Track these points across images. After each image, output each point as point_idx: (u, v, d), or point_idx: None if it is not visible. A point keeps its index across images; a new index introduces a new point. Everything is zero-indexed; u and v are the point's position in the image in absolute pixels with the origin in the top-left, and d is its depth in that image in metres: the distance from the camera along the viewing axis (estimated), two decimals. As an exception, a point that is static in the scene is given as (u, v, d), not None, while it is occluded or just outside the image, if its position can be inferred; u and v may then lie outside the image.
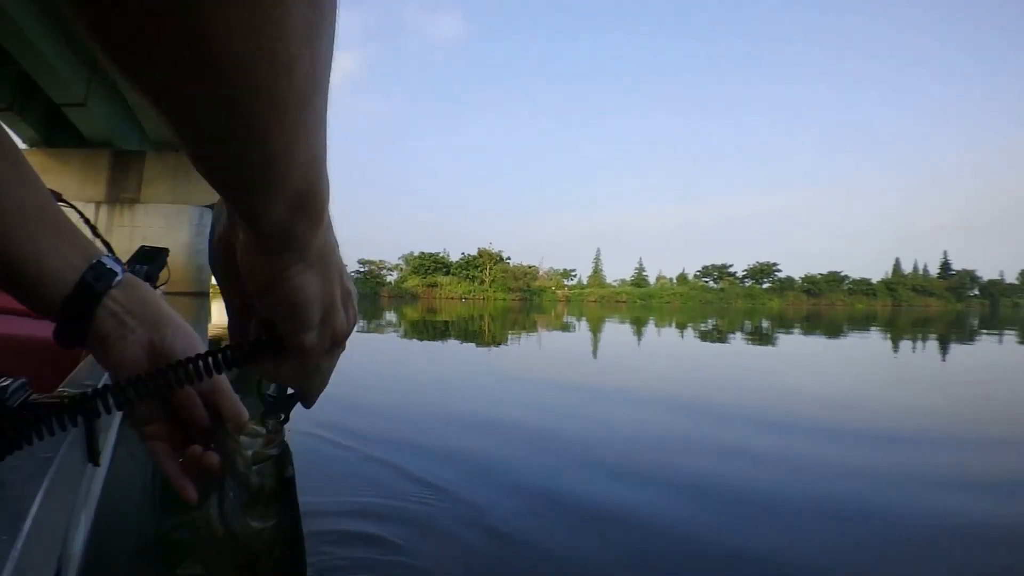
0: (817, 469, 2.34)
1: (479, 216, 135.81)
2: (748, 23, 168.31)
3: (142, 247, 1.65)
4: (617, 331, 12.09)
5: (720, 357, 7.20)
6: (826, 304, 64.13)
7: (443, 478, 2.01)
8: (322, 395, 0.41)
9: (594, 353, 7.54)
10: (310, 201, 0.29)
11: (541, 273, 69.74)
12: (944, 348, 8.86)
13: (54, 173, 23.77)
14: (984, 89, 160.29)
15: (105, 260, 0.40)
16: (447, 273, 66.72)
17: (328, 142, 0.28)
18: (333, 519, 1.62)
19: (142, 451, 0.43)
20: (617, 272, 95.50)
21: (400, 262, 69.18)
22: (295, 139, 0.25)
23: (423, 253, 68.77)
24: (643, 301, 59.87)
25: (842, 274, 72.35)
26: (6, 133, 0.39)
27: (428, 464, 2.16)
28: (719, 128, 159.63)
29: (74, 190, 23.64)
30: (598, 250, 78.30)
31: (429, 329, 11.07)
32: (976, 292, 75.61)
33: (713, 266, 73.41)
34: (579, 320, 16.60)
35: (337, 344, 0.37)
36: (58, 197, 1.27)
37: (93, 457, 0.60)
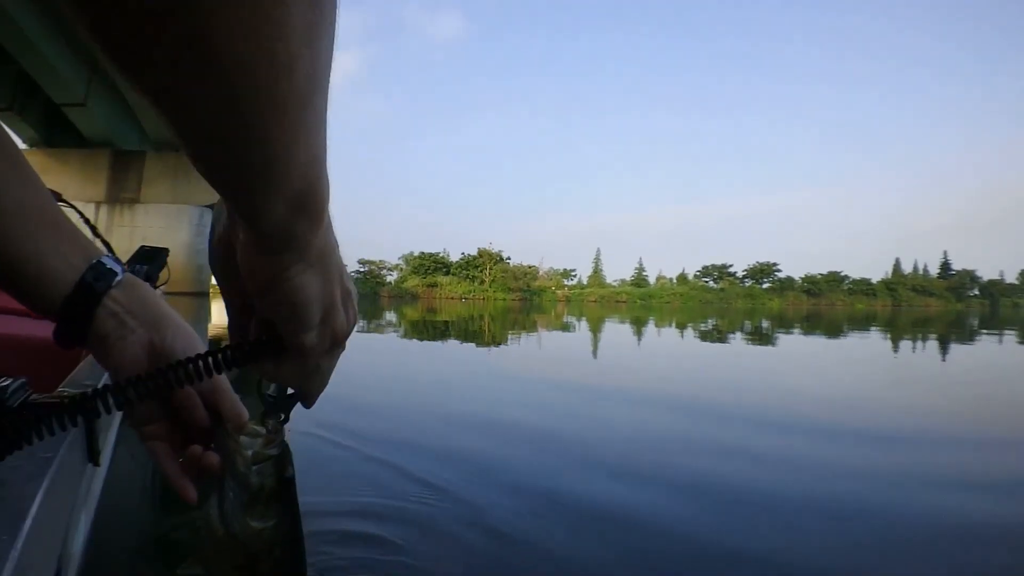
0: (817, 469, 2.34)
1: (479, 216, 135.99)
2: (748, 23, 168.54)
3: (142, 247, 1.65)
4: (617, 331, 12.09)
5: (720, 357, 7.20)
6: (826, 304, 64.13)
7: (443, 478, 2.01)
8: (322, 395, 0.41)
9: (594, 353, 7.54)
10: (310, 201, 0.29)
11: (541, 273, 69.75)
12: (944, 348, 8.86)
13: (54, 173, 23.77)
14: (984, 89, 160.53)
15: (105, 260, 0.40)
16: (447, 273, 66.73)
17: (328, 142, 0.28)
18: (333, 519, 1.62)
19: (142, 451, 0.43)
20: (617, 272, 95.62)
21: (400, 262, 69.24)
22: (295, 139, 0.25)
23: (423, 253, 68.80)
24: (643, 301, 59.87)
25: (842, 274, 72.40)
26: (6, 133, 0.39)
27: (428, 464, 2.16)
28: (719, 128, 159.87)
29: (74, 190, 23.64)
30: (598, 250, 78.45)
31: (429, 329, 11.07)
32: (976, 292, 75.62)
33: (713, 266, 73.43)
34: (579, 320, 16.60)
35: (337, 344, 0.37)
36: (58, 197, 1.27)
37: (93, 457, 0.60)
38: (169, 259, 1.74)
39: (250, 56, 0.20)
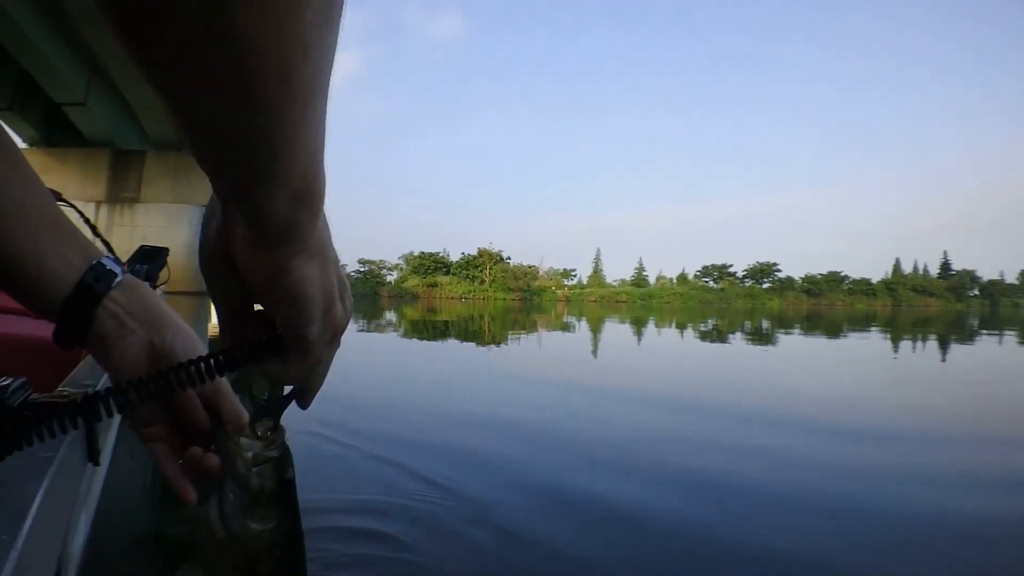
0: (817, 468, 2.34)
1: (479, 216, 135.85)
2: (748, 23, 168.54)
3: (142, 246, 1.65)
4: (617, 331, 12.10)
5: (720, 357, 7.20)
6: (826, 304, 64.16)
7: (444, 476, 2.01)
8: (323, 395, 0.41)
9: (594, 353, 7.54)
10: (311, 193, 0.29)
11: (541, 273, 69.77)
12: (944, 348, 8.86)
13: (54, 172, 23.76)
14: (984, 89, 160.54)
15: (105, 261, 0.40)
16: (447, 273, 66.76)
17: (328, 142, 0.28)
18: (335, 516, 1.62)
19: (142, 451, 0.43)
20: (617, 272, 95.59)
21: (400, 262, 69.26)
22: (302, 130, 0.25)
23: (423, 253, 68.82)
24: (643, 301, 59.90)
25: (842, 274, 72.43)
26: (6, 133, 0.39)
27: (429, 463, 2.16)
28: (719, 128, 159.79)
29: (74, 189, 23.64)
30: (598, 250, 78.46)
31: (429, 329, 11.07)
32: (976, 292, 75.65)
33: (713, 266, 73.46)
34: (579, 320, 16.60)
35: (336, 336, 0.37)
36: (58, 197, 1.27)
37: (93, 457, 0.60)
38: (169, 259, 1.74)
39: (267, 43, 0.21)
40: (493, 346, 7.84)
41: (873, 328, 14.58)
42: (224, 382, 0.43)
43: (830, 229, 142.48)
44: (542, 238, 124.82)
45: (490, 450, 2.46)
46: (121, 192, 25.88)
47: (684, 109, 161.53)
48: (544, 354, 7.25)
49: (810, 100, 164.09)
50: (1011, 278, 77.73)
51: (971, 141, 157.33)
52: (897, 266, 78.95)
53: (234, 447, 0.37)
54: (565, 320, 16.42)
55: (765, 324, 15.81)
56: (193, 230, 25.54)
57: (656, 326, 14.15)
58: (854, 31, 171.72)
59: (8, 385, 0.41)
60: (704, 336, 10.80)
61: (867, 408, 3.80)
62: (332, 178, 0.30)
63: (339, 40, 0.24)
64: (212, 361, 0.35)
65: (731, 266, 73.01)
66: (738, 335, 10.99)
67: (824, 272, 72.06)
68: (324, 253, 0.33)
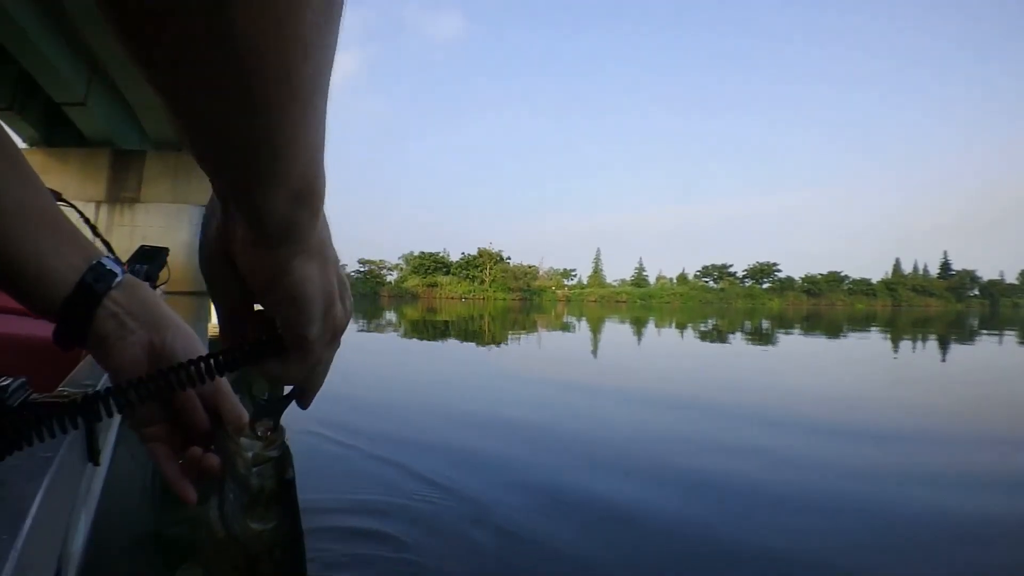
0: (817, 467, 2.34)
1: (479, 216, 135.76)
2: (748, 23, 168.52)
3: (142, 246, 1.65)
4: (617, 331, 12.10)
5: (720, 357, 7.20)
6: (826, 304, 64.16)
7: (445, 475, 2.01)
8: (324, 394, 0.41)
9: (594, 353, 7.55)
10: (311, 192, 0.29)
11: (541, 273, 69.79)
12: (944, 348, 8.86)
13: (54, 172, 23.77)
14: (984, 89, 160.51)
15: (105, 261, 0.40)
16: (447, 273, 66.77)
17: (328, 142, 0.28)
18: (335, 516, 1.62)
19: (142, 451, 0.43)
20: (617, 272, 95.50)
21: (400, 262, 69.26)
22: (303, 129, 0.25)
23: (423, 253, 68.82)
24: (643, 301, 59.91)
25: (842, 274, 72.44)
26: (6, 133, 0.39)
27: (428, 463, 2.16)
28: (719, 128, 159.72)
29: (74, 189, 23.64)
30: (598, 250, 78.43)
31: (429, 329, 11.07)
32: (976, 292, 75.65)
33: (713, 266, 73.46)
34: (579, 320, 16.61)
35: (337, 336, 0.37)
36: (58, 196, 1.27)
37: (93, 457, 0.60)
38: (169, 258, 1.74)
39: (268, 43, 0.21)
40: (493, 346, 7.84)
41: (873, 328, 14.58)
42: (224, 382, 0.43)
43: (830, 229, 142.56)
44: (542, 238, 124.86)
45: (490, 450, 2.46)
46: (121, 192, 25.88)
47: (684, 109, 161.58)
48: (544, 354, 7.25)
49: (810, 100, 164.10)
50: (1011, 278, 77.79)
51: (971, 141, 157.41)
52: (897, 266, 78.98)
53: (234, 447, 0.37)
54: (565, 320, 16.42)
55: (765, 324, 15.81)
56: (193, 230, 25.53)
57: (656, 326, 14.16)
58: (854, 31, 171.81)
59: (8, 385, 0.41)
60: (704, 336, 10.80)
61: (867, 408, 3.80)
62: (332, 178, 0.30)
63: (339, 40, 0.24)
64: (212, 361, 0.35)
65: (731, 266, 73.09)
66: (738, 335, 10.99)
67: (824, 272, 72.09)
68: (324, 253, 0.33)
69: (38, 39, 16.02)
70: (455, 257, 68.52)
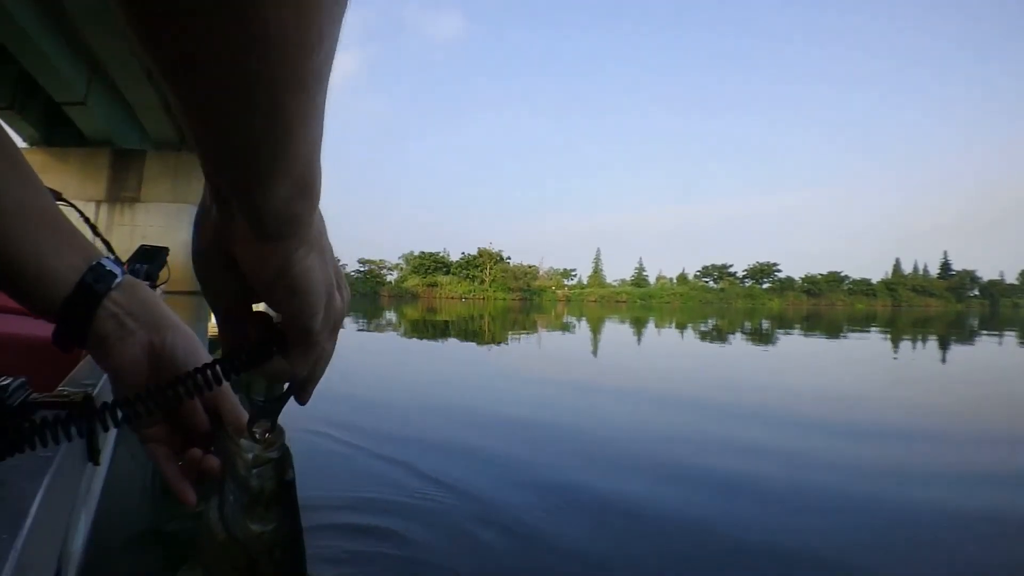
0: (818, 468, 2.33)
1: (479, 216, 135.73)
2: (748, 23, 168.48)
3: (142, 246, 1.65)
4: (617, 331, 12.10)
5: (720, 357, 7.20)
6: (826, 304, 64.16)
7: (444, 474, 2.01)
8: (324, 395, 0.41)
9: (595, 353, 7.55)
10: (309, 183, 0.29)
11: (541, 273, 69.77)
12: (944, 349, 8.86)
13: (54, 172, 23.77)
14: (984, 89, 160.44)
15: (105, 262, 0.40)
16: (447, 273, 66.75)
17: (328, 142, 0.28)
18: (335, 514, 1.62)
19: (142, 451, 0.43)
20: (617, 272, 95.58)
21: (400, 262, 69.25)
22: (307, 119, 0.25)
23: (423, 253, 68.80)
24: (643, 301, 59.91)
25: (842, 274, 72.43)
26: (6, 133, 0.39)
27: (429, 461, 2.16)
28: (719, 128, 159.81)
29: (74, 189, 23.64)
30: (598, 250, 78.43)
31: (429, 328, 11.07)
32: (976, 292, 75.64)
33: (713, 266, 73.46)
34: (579, 320, 16.61)
35: (336, 327, 0.38)
36: (58, 196, 1.27)
37: (93, 456, 0.60)
38: (169, 258, 1.74)
39: (287, 29, 0.21)
40: (493, 346, 7.84)
41: (873, 328, 14.58)
42: (225, 383, 0.43)
43: (830, 229, 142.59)
44: (542, 238, 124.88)
45: (491, 449, 2.46)
46: (121, 191, 25.88)
47: (684, 109, 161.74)
48: (544, 354, 7.25)
49: (810, 100, 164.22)
50: (1011, 278, 77.77)
51: (971, 141, 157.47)
52: (897, 266, 78.97)
53: (234, 448, 0.37)
54: (565, 320, 16.42)
55: (765, 324, 15.81)
56: (193, 230, 25.49)
57: (656, 326, 14.16)
58: (854, 31, 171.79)
59: (8, 385, 0.41)
60: (704, 336, 10.80)
61: (867, 408, 3.80)
62: (332, 178, 0.31)
63: (339, 40, 0.24)
64: (220, 367, 0.35)
65: (731, 266, 73.08)
66: (738, 335, 10.99)
67: (824, 272, 72.09)
68: (322, 242, 0.34)
69: (38, 39, 16.01)
70: (455, 257, 68.57)
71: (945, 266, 78.51)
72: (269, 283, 0.32)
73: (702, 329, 12.94)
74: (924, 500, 1.99)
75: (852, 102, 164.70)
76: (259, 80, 0.22)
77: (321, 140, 0.28)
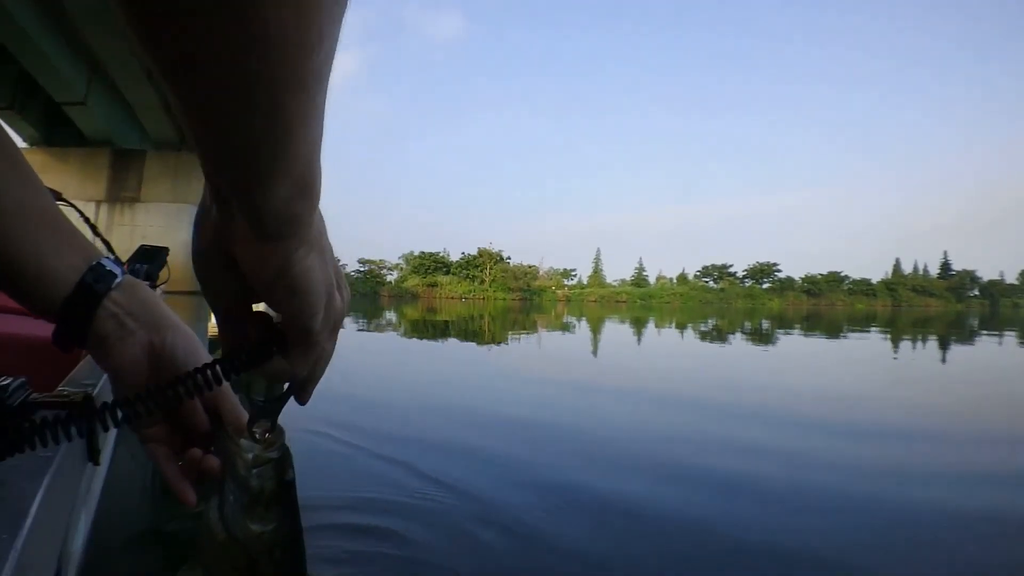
0: (818, 468, 2.33)
1: (479, 216, 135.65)
2: (748, 23, 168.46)
3: (142, 246, 1.65)
4: (617, 331, 12.10)
5: (720, 357, 7.20)
6: (826, 304, 64.15)
7: (444, 474, 2.01)
8: (325, 395, 0.41)
9: (595, 353, 7.55)
10: (309, 182, 0.29)
11: (541, 273, 69.76)
12: (944, 349, 8.86)
13: (54, 172, 23.77)
14: (984, 89, 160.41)
15: (105, 262, 0.40)
16: (447, 273, 66.74)
17: (329, 142, 0.28)
18: (335, 513, 1.62)
19: (142, 451, 0.43)
20: (617, 272, 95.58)
21: (400, 262, 69.23)
22: (308, 119, 0.25)
23: (423, 253, 68.79)
24: (643, 301, 59.90)
25: (842, 274, 72.43)
26: (6, 133, 0.39)
27: (429, 461, 2.16)
28: (719, 128, 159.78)
29: (74, 189, 23.64)
30: (598, 250, 78.40)
31: (429, 328, 11.07)
32: (976, 292, 75.63)
33: (713, 266, 73.45)
34: (579, 320, 16.60)
35: (337, 327, 0.38)
36: (58, 196, 1.27)
37: (93, 456, 0.60)
38: (169, 258, 1.74)
39: (287, 29, 0.21)
40: (493, 346, 7.84)
41: (873, 328, 14.58)
42: (225, 383, 0.43)
43: (830, 229, 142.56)
44: (542, 238, 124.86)
45: (491, 448, 2.46)
46: (121, 191, 25.88)
47: (684, 109, 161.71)
48: (544, 354, 7.25)
49: (810, 100, 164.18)
50: (1011, 278, 77.76)
51: (971, 141, 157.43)
52: (897, 266, 78.96)
53: (234, 448, 0.37)
54: (565, 320, 16.42)
55: (765, 324, 15.81)
56: (193, 230, 25.49)
57: (656, 326, 14.16)
58: (854, 31, 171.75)
59: (8, 385, 0.41)
60: (704, 336, 10.80)
61: (867, 408, 3.80)
62: (332, 178, 0.31)
63: (339, 39, 0.24)
64: (221, 367, 0.35)
65: (731, 266, 73.07)
66: (738, 335, 10.99)
67: (824, 272, 72.09)
68: (322, 241, 0.34)
69: (38, 39, 16.01)
70: (455, 257, 68.56)
71: (945, 266, 78.50)
72: (269, 283, 0.32)
73: (702, 329, 12.93)
74: (924, 500, 1.99)
75: (852, 102, 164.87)
76: (259, 80, 0.22)
77: (321, 140, 0.28)
